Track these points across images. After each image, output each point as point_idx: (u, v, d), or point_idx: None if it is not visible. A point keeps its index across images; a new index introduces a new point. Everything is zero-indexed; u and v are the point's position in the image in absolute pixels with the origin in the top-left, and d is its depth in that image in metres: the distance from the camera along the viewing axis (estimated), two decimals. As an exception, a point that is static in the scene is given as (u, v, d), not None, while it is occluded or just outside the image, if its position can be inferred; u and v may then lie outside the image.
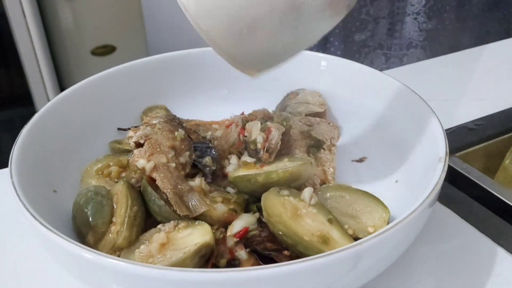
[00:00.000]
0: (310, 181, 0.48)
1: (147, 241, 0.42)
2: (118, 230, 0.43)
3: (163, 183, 0.44)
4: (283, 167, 0.45)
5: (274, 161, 0.48)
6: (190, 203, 0.44)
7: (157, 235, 0.42)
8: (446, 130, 0.46)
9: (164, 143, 0.47)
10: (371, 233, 0.38)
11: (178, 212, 0.43)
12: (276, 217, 0.41)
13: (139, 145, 0.47)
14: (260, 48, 0.35)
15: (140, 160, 0.45)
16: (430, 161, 0.44)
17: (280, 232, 0.41)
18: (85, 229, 0.44)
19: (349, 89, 0.59)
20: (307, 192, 0.43)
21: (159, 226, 0.43)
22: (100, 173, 0.51)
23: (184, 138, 0.50)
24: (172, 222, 0.43)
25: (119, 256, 0.43)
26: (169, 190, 0.44)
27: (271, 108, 0.59)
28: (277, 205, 0.42)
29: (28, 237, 0.50)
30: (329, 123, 0.56)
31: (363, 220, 0.44)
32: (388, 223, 0.43)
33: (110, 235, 0.43)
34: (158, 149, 0.47)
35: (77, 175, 0.51)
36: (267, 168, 0.46)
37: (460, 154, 0.60)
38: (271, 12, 0.33)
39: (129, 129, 0.57)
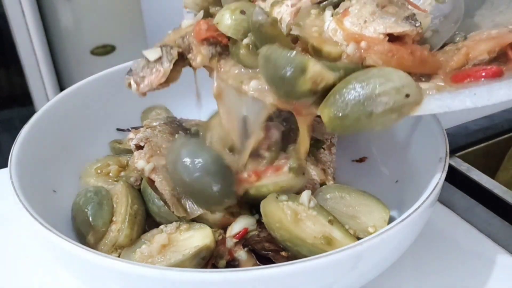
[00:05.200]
0: (310, 181, 0.48)
1: (148, 241, 0.42)
2: (119, 228, 0.43)
3: (161, 185, 0.44)
4: (274, 180, 0.45)
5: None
6: (187, 205, 0.44)
7: (159, 236, 0.42)
8: (446, 130, 0.46)
9: (164, 146, 0.47)
10: (371, 233, 0.38)
11: (175, 214, 0.43)
12: (277, 223, 0.41)
13: (139, 147, 0.48)
14: None
15: (140, 162, 0.46)
16: (431, 161, 0.44)
17: (282, 238, 0.40)
18: (85, 229, 0.44)
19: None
20: (305, 195, 0.43)
21: (161, 226, 0.43)
22: (99, 171, 0.51)
23: (184, 140, 0.50)
24: (174, 223, 0.43)
25: (120, 254, 0.43)
26: (167, 192, 0.44)
27: (271, 108, 0.59)
28: (276, 211, 0.41)
29: (28, 237, 0.50)
30: (329, 123, 0.56)
31: (363, 220, 0.43)
32: (388, 223, 0.43)
33: (111, 233, 0.44)
34: (158, 152, 0.47)
35: (76, 175, 0.51)
36: (261, 182, 0.45)
37: (460, 154, 0.60)
38: None
39: (128, 130, 0.57)
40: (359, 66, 0.38)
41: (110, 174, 0.51)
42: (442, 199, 0.53)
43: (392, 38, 0.38)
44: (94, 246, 0.44)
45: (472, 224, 0.51)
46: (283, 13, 0.43)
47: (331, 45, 0.39)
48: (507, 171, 0.61)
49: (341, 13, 0.40)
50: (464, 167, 0.55)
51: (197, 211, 0.43)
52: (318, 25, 0.41)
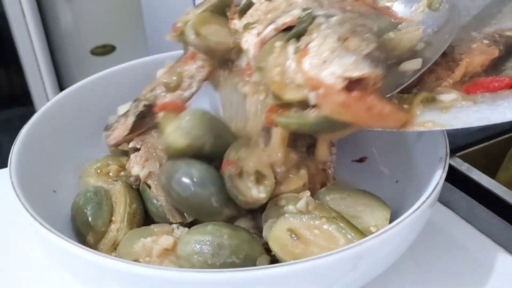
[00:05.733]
0: (310, 181, 0.48)
1: (155, 236, 0.41)
2: (119, 227, 0.43)
3: (157, 190, 0.44)
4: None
5: None
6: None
7: (166, 238, 0.41)
8: (446, 129, 0.46)
9: (160, 147, 0.47)
10: (373, 233, 0.38)
11: (171, 220, 0.42)
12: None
13: (136, 149, 0.48)
14: None
15: (135, 167, 0.46)
16: (431, 161, 0.44)
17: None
18: (85, 230, 0.44)
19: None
20: (301, 203, 0.41)
21: (174, 226, 0.43)
22: (99, 171, 0.51)
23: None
24: (186, 228, 0.42)
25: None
26: (162, 198, 0.44)
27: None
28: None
29: (28, 237, 0.50)
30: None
31: (365, 220, 0.43)
32: (390, 222, 0.43)
33: (110, 233, 0.43)
34: (154, 154, 0.46)
35: (76, 176, 0.51)
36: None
37: (460, 154, 0.60)
38: None
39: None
40: (331, 118, 0.35)
41: (110, 174, 0.51)
42: (442, 199, 0.53)
43: (353, 81, 0.35)
44: (94, 246, 0.44)
45: (472, 224, 0.51)
46: (250, 43, 0.41)
47: (292, 90, 0.36)
48: (507, 171, 0.61)
49: (302, 50, 0.37)
50: (464, 167, 0.55)
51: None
52: (281, 63, 0.38)
